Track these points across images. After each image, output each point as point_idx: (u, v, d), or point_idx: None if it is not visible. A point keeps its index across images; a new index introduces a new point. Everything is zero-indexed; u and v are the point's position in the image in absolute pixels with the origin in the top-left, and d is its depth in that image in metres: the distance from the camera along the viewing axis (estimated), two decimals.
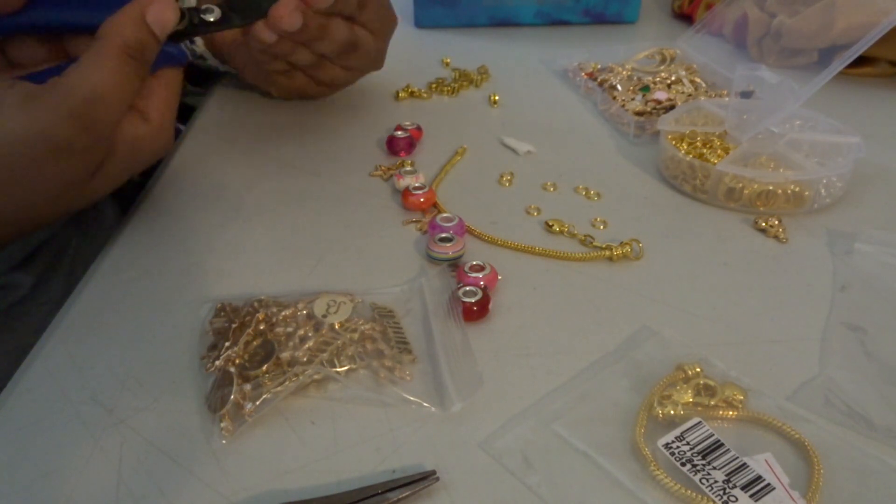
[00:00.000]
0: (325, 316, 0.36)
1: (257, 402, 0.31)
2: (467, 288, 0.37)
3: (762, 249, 0.43)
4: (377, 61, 0.57)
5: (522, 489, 0.29)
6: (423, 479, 0.29)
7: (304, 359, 0.33)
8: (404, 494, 0.28)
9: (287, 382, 0.32)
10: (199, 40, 0.59)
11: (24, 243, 0.49)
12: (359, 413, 0.32)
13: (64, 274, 0.52)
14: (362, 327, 0.35)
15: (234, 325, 0.35)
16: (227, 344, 0.34)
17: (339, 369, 0.33)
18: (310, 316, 0.36)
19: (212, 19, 0.40)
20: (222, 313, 0.37)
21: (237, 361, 0.33)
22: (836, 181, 0.46)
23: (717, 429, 0.30)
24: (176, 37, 0.38)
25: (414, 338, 0.36)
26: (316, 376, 0.33)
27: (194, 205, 0.48)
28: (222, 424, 0.31)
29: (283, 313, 0.36)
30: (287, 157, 0.54)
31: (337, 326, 0.35)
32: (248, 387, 0.32)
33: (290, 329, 0.35)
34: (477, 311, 0.37)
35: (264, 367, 0.33)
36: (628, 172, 0.52)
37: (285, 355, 0.33)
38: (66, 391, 0.33)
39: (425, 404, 0.32)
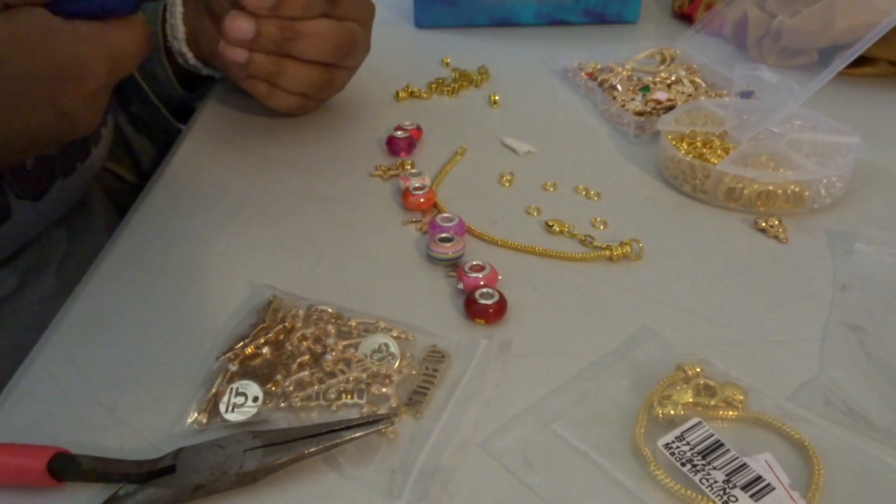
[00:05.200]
0: (366, 355, 0.34)
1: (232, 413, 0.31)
2: (484, 290, 0.37)
3: (762, 249, 0.43)
4: (366, 50, 0.57)
5: (522, 489, 0.29)
6: (379, 420, 0.29)
7: (290, 388, 0.33)
8: (358, 434, 0.29)
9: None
10: (181, 37, 0.57)
11: (10, 242, 0.49)
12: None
13: (53, 271, 0.52)
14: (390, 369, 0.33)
15: (261, 325, 0.35)
16: (241, 343, 0.34)
17: (331, 405, 0.32)
18: (340, 335, 0.35)
19: None
20: (270, 306, 0.37)
21: (243, 362, 0.34)
22: (836, 181, 0.46)
23: (717, 429, 0.30)
24: None
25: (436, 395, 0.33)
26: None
27: (194, 205, 0.48)
28: (196, 415, 0.31)
29: (308, 330, 0.35)
30: (287, 157, 0.54)
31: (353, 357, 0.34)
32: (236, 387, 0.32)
33: (300, 348, 0.35)
34: (493, 314, 0.37)
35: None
36: (628, 172, 0.52)
37: (277, 378, 0.33)
38: (66, 391, 0.33)
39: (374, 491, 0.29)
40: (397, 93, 0.64)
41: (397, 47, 0.78)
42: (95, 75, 0.38)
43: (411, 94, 0.64)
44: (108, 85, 0.40)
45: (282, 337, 0.35)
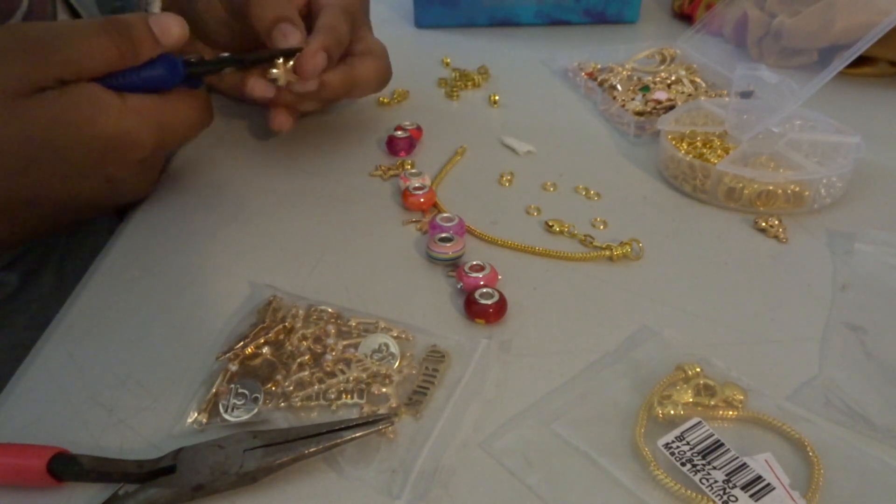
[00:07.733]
0: (366, 355, 0.34)
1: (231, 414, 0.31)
2: (484, 290, 0.37)
3: (762, 249, 0.43)
4: (384, 81, 0.54)
5: (522, 489, 0.29)
6: (379, 420, 0.30)
7: (290, 388, 0.33)
8: (358, 434, 0.29)
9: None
10: None
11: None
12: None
13: (52, 271, 0.52)
14: (391, 369, 0.33)
15: (261, 325, 0.35)
16: (241, 343, 0.34)
17: (331, 405, 0.32)
18: (340, 334, 0.35)
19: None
20: (270, 306, 0.37)
21: (243, 362, 0.34)
22: (836, 181, 0.46)
23: (717, 429, 0.30)
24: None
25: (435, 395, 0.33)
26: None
27: (194, 205, 0.48)
28: (196, 415, 0.31)
29: (308, 330, 0.35)
30: (287, 157, 0.54)
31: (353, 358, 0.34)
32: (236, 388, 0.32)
33: (300, 348, 0.35)
34: (493, 314, 0.37)
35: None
36: (628, 172, 0.52)
37: (277, 378, 0.33)
38: (66, 391, 0.33)
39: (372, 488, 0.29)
40: (397, 93, 0.64)
41: (397, 47, 0.77)
42: (142, 146, 0.39)
43: (410, 94, 0.64)
44: (158, 154, 0.41)
45: (282, 337, 0.35)
